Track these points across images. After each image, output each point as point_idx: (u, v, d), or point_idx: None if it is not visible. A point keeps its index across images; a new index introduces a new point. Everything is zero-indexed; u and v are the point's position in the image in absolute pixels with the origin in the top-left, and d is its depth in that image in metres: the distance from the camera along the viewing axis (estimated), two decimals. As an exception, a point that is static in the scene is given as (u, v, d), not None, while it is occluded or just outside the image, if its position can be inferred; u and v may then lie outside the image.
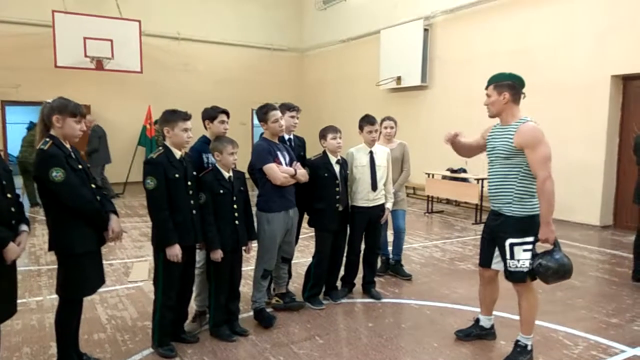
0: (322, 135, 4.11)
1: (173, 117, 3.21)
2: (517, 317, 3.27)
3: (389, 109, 7.38)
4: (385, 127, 4.91)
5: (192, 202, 3.24)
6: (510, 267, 3.08)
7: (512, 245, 3.05)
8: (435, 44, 10.39)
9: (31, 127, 9.08)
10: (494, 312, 3.52)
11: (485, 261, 3.33)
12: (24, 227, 2.61)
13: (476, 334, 3.49)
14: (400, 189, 4.94)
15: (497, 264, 3.25)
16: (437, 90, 10.42)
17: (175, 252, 3.09)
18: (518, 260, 3.03)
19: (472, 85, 9.53)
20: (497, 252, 3.22)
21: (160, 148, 3.23)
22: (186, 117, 3.24)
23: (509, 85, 3.13)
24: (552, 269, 2.94)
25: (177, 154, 3.23)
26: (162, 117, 3.27)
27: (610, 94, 7.46)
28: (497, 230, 3.14)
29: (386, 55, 11.21)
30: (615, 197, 7.79)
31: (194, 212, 3.26)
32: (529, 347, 3.15)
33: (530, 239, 3.03)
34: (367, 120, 4.27)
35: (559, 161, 9.00)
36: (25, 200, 8.59)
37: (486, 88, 3.22)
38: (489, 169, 3.23)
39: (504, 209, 3.08)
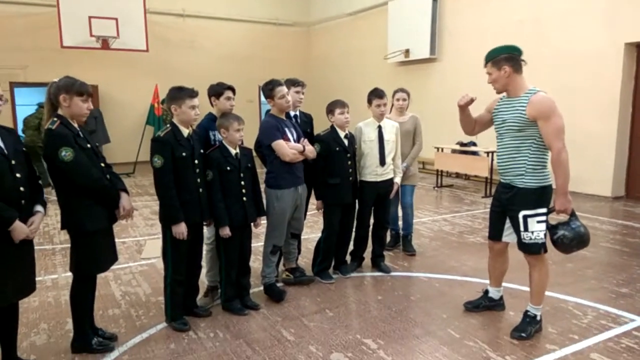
0: (330, 110, 4.08)
1: (180, 94, 3.18)
2: (526, 289, 3.29)
3: (398, 82, 7.32)
4: (398, 99, 4.82)
5: (199, 180, 3.25)
6: (524, 239, 3.05)
7: (525, 217, 3.03)
8: (444, 14, 10.19)
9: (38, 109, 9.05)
10: (503, 284, 3.54)
11: (495, 234, 3.32)
12: (38, 208, 2.64)
13: (485, 306, 3.52)
14: (412, 163, 4.83)
15: (508, 236, 3.24)
16: (446, 62, 10.26)
17: (181, 230, 3.12)
18: (532, 232, 3.02)
19: (482, 56, 9.37)
20: (507, 224, 3.20)
21: (168, 126, 3.22)
22: (193, 94, 3.21)
23: (506, 58, 3.05)
24: (574, 239, 2.98)
25: (185, 132, 3.21)
26: (169, 94, 3.24)
27: (624, 63, 7.29)
28: (509, 202, 3.11)
29: (394, 28, 11.02)
30: (627, 167, 7.71)
31: (201, 190, 3.26)
32: (538, 317, 3.17)
33: (544, 210, 3.02)
34: (375, 94, 4.22)
35: (570, 132, 8.86)
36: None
37: (485, 66, 3.16)
38: (499, 142, 3.18)
39: (516, 181, 3.05)
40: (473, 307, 3.53)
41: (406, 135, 4.72)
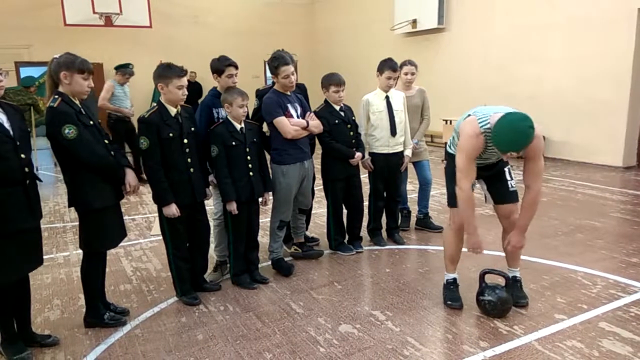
0: (325, 85, 3.98)
1: (168, 72, 3.05)
2: (534, 259, 3.25)
3: (405, 54, 7.17)
4: (406, 73, 4.59)
5: (189, 160, 3.16)
6: (513, 187, 3.12)
7: (509, 169, 3.15)
8: (451, -18, 9.94)
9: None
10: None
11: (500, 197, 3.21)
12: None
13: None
14: (421, 138, 4.72)
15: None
16: (454, 32, 10.05)
17: (171, 211, 3.09)
18: (514, 180, 3.15)
19: (491, 25, 9.18)
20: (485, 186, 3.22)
21: (155, 105, 3.13)
22: (181, 73, 3.08)
23: None
24: (495, 308, 3.02)
25: (173, 111, 3.11)
26: (157, 71, 3.10)
27: (637, 29, 7.09)
28: (494, 173, 3.13)
29: (401, -2, 10.79)
30: (639, 136, 7.58)
31: (192, 170, 3.18)
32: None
33: None
34: (389, 66, 4.12)
35: (581, 101, 8.75)
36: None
37: (516, 153, 2.65)
38: (489, 164, 3.07)
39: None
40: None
41: (414, 110, 4.61)
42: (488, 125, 2.71)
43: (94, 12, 10.16)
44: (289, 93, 3.75)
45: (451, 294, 3.26)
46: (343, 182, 4.10)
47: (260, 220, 3.77)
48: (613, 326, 2.89)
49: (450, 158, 3.15)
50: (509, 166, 3.17)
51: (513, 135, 2.54)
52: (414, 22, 10.53)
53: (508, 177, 3.13)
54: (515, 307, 3.12)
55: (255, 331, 2.96)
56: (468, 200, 2.86)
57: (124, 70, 7.22)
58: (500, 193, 3.12)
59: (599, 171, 7.39)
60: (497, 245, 4.26)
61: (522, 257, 3.82)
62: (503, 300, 3.02)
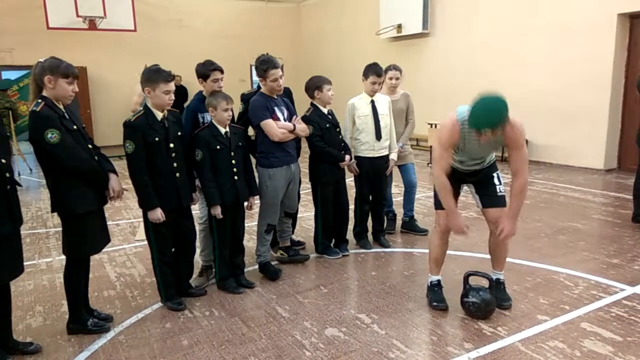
0: (317, 86, 3.98)
1: (154, 76, 3.03)
2: (517, 261, 3.28)
3: (390, 59, 7.25)
4: (391, 78, 4.63)
5: (175, 164, 3.15)
6: (501, 191, 3.14)
7: (497, 174, 3.18)
8: (436, -12, 10.05)
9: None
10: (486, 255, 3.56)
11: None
12: None
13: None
14: (406, 142, 4.76)
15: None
16: (438, 37, 10.16)
17: (156, 216, 3.07)
18: (503, 185, 3.17)
19: (474, 30, 9.29)
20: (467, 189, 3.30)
21: (141, 109, 3.10)
22: (169, 78, 3.06)
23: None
24: (479, 310, 3.06)
25: (159, 115, 3.09)
26: (144, 75, 3.07)
27: (616, 34, 7.24)
28: (479, 179, 3.17)
29: (386, 3, 10.87)
30: (620, 139, 7.73)
31: (178, 175, 3.16)
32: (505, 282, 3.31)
33: None
34: (374, 71, 4.17)
35: (563, 105, 8.86)
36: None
37: (491, 132, 2.64)
38: (469, 162, 3.06)
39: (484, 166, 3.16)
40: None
41: (399, 114, 4.65)
42: (465, 116, 2.76)
43: (78, 16, 10.07)
44: (275, 96, 3.76)
45: (436, 295, 3.28)
46: (333, 186, 4.11)
47: (246, 225, 3.77)
48: (594, 326, 2.94)
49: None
50: (498, 171, 3.20)
51: (487, 112, 2.62)
52: (399, 26, 10.61)
53: (496, 182, 3.15)
54: (499, 309, 3.15)
55: (241, 336, 2.95)
56: (441, 185, 2.95)
57: None
58: (488, 196, 3.14)
59: (581, 174, 7.51)
60: (481, 248, 4.32)
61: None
62: (487, 302, 3.05)
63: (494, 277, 3.23)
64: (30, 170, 9.06)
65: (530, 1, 8.10)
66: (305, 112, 4.01)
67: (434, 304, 3.24)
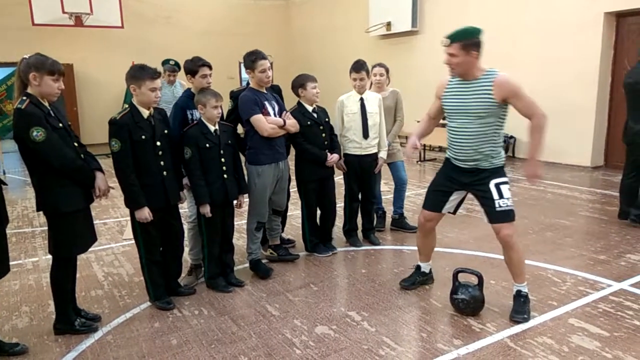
0: (301, 84, 3.96)
1: (140, 74, 2.99)
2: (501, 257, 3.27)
3: (379, 56, 7.28)
4: (375, 74, 4.66)
5: (162, 163, 3.10)
6: (502, 206, 2.95)
7: (498, 185, 2.97)
8: (424, -14, 10.08)
9: None
10: (484, 253, 3.58)
11: (434, 206, 3.24)
12: None
13: (419, 281, 3.51)
14: (394, 139, 4.76)
15: (448, 208, 3.24)
16: (427, 35, 10.18)
17: (144, 215, 3.04)
18: (508, 199, 2.96)
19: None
20: (452, 197, 3.19)
21: (127, 106, 3.07)
22: (155, 75, 3.03)
23: (476, 43, 2.89)
24: (468, 306, 3.08)
25: (145, 113, 3.05)
26: (129, 72, 3.04)
27: (603, 32, 7.32)
28: (474, 183, 3.05)
29: (376, 0, 10.87)
30: (606, 136, 7.81)
31: (165, 173, 3.12)
32: (528, 294, 3.12)
33: (507, 179, 3.06)
34: (352, 67, 4.19)
35: (550, 103, 8.93)
36: None
37: (448, 45, 2.88)
38: (457, 129, 3.02)
39: (483, 164, 3.00)
40: (409, 284, 3.48)
41: (387, 111, 4.64)
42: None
43: (64, 12, 9.94)
44: (265, 90, 3.74)
45: (408, 277, 3.55)
46: (315, 184, 4.10)
47: (236, 223, 3.75)
48: (582, 322, 2.97)
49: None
50: (501, 180, 3.00)
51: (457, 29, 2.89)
52: (388, 24, 10.62)
53: (495, 196, 2.97)
54: (488, 306, 3.17)
55: (231, 335, 2.94)
56: (422, 120, 3.34)
57: (164, 67, 6.39)
58: (488, 212, 3.02)
59: (568, 171, 7.59)
60: (471, 245, 4.35)
61: (491, 255, 3.94)
62: (476, 299, 3.07)
63: (514, 289, 3.11)
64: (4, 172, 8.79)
65: (519, 0, 8.16)
66: (289, 109, 4.00)
67: (400, 282, 3.53)
